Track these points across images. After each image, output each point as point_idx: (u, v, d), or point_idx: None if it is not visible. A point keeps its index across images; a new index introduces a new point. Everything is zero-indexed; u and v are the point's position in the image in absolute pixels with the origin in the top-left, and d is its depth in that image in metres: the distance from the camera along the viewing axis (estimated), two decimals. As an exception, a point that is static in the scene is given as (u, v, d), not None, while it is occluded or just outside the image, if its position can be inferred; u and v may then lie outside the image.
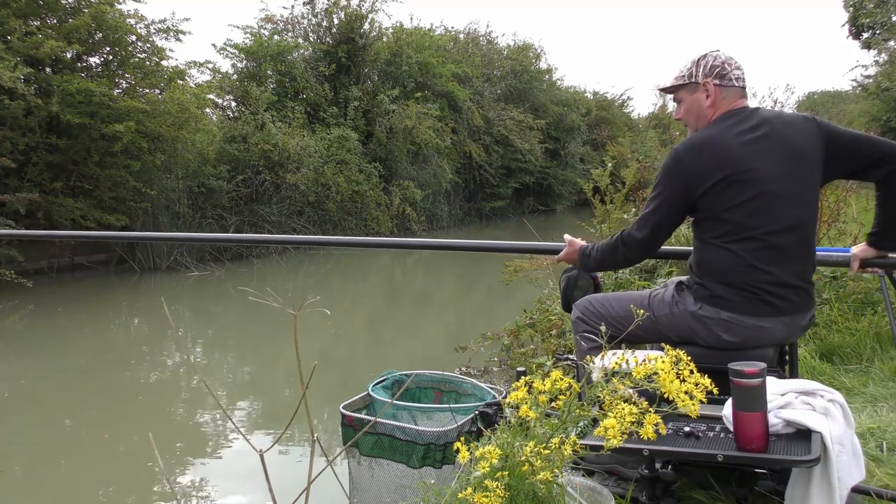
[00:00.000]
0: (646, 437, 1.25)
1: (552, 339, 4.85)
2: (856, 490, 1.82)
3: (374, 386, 2.69)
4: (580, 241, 2.30)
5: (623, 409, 1.25)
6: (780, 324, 1.94)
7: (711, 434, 1.69)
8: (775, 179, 1.91)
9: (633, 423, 1.24)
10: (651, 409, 1.26)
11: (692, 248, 2.08)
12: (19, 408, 5.84)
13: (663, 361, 1.29)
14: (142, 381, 6.77)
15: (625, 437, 1.23)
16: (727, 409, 1.66)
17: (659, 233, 2.05)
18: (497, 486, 1.17)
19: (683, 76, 2.08)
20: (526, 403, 1.29)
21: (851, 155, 2.00)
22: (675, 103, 2.16)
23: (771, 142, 1.94)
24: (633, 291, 2.34)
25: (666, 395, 1.28)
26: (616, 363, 1.33)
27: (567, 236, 2.35)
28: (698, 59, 2.06)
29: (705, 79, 2.02)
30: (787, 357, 2.14)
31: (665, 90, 2.17)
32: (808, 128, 1.99)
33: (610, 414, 1.25)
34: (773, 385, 1.72)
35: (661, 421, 1.25)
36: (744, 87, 2.04)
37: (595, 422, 1.30)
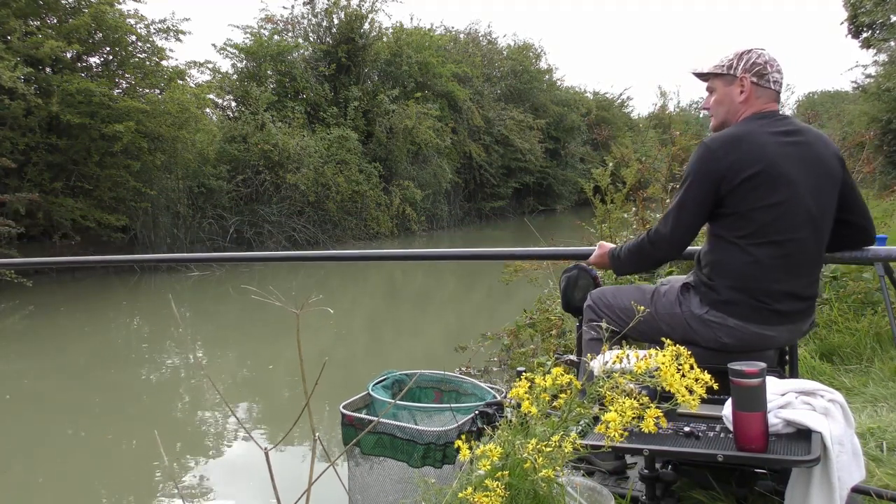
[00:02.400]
0: (647, 431, 1.25)
1: (552, 339, 4.84)
2: (856, 490, 1.81)
3: (374, 386, 2.68)
4: (610, 244, 2.26)
5: (624, 403, 1.24)
6: (784, 332, 1.94)
7: (711, 434, 1.69)
8: (805, 188, 1.89)
9: (634, 417, 1.23)
10: (652, 404, 1.26)
11: (701, 246, 2.04)
12: (20, 408, 5.84)
13: (664, 356, 1.29)
14: (142, 381, 6.77)
15: (626, 435, 1.23)
16: (727, 409, 1.66)
17: (687, 229, 1.97)
18: (497, 486, 1.17)
19: (723, 66, 2.03)
20: (527, 400, 1.29)
21: (848, 203, 2.02)
22: (706, 92, 2.11)
23: (805, 150, 1.92)
24: (643, 284, 2.31)
25: (667, 389, 1.28)
26: (617, 357, 1.33)
27: (601, 242, 2.33)
28: (741, 53, 2.01)
29: (744, 74, 1.97)
30: (787, 357, 2.14)
31: (699, 75, 2.11)
32: (836, 152, 2.00)
33: (611, 408, 1.24)
34: (773, 385, 1.71)
35: (661, 414, 1.25)
36: (779, 92, 2.01)
37: (596, 420, 1.30)
